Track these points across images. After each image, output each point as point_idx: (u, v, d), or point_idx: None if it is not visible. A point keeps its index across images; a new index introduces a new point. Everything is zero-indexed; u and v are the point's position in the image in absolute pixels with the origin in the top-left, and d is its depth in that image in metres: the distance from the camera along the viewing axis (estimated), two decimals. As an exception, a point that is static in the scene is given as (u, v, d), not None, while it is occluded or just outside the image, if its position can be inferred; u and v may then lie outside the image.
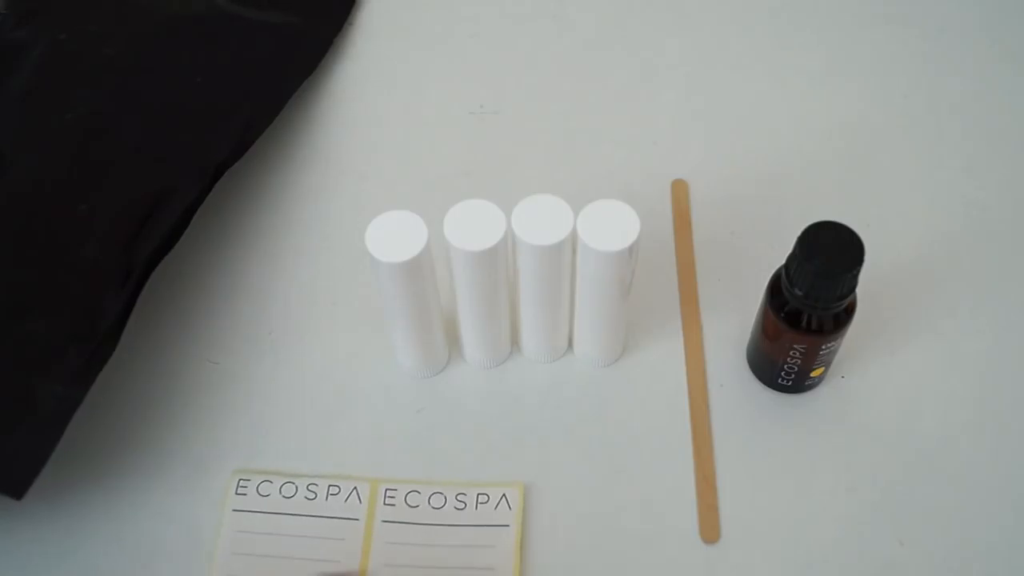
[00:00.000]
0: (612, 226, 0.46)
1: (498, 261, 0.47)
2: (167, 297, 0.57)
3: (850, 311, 0.48)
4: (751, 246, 0.58)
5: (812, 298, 0.47)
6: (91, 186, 0.53)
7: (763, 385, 0.54)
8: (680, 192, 0.61)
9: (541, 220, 0.46)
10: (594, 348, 0.54)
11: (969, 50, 0.67)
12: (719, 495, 0.50)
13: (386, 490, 0.51)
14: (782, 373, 0.52)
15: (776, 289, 0.49)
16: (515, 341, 0.55)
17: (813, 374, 0.51)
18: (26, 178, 0.53)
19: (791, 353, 0.50)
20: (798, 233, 0.46)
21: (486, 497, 0.51)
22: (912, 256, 0.58)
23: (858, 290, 0.47)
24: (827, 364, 0.51)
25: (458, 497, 0.51)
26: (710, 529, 0.50)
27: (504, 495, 0.51)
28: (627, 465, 0.52)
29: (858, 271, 0.45)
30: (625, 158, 0.63)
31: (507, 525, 0.50)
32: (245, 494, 0.51)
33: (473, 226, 0.46)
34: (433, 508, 0.50)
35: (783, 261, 0.48)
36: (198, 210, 0.54)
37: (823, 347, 0.49)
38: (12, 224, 0.51)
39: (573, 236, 0.46)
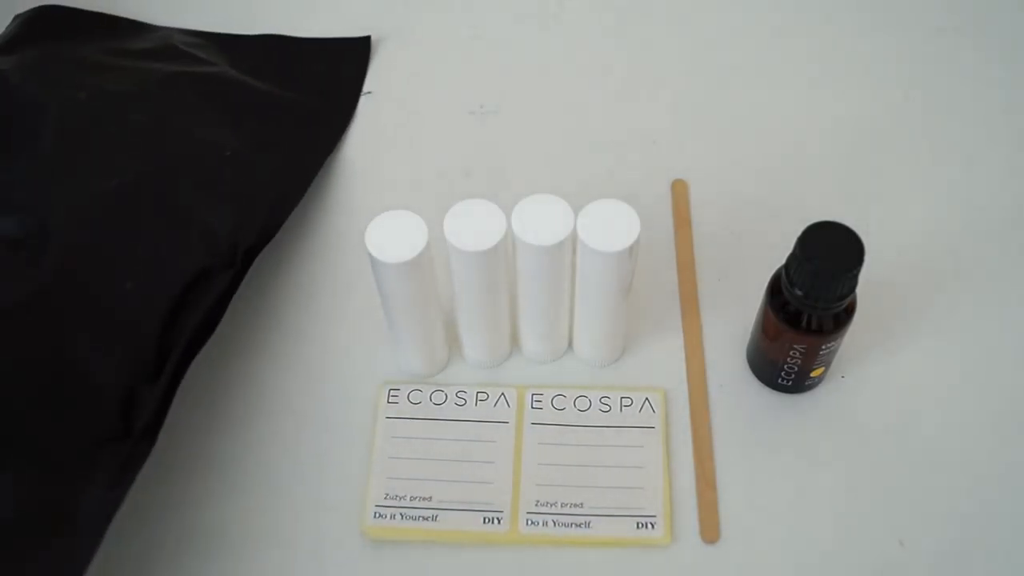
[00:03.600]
0: (612, 226, 0.46)
1: (498, 261, 0.47)
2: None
3: (850, 311, 0.48)
4: (751, 246, 0.58)
5: (812, 298, 0.47)
6: (129, 266, 0.50)
7: (763, 385, 0.54)
8: (680, 192, 0.61)
9: (541, 220, 0.46)
10: (594, 348, 0.54)
11: (969, 50, 0.67)
12: (719, 495, 0.50)
13: (532, 395, 0.53)
14: (782, 373, 0.52)
15: (776, 289, 0.49)
16: (515, 341, 0.55)
17: (813, 374, 0.51)
18: (67, 254, 0.49)
19: (791, 353, 0.50)
20: (798, 233, 0.46)
21: (629, 400, 0.53)
22: (912, 256, 0.58)
23: (858, 290, 0.47)
24: (827, 364, 0.51)
25: (602, 400, 0.53)
26: (710, 529, 0.49)
27: (647, 399, 0.53)
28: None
29: (858, 271, 0.45)
30: (625, 158, 0.63)
31: (653, 427, 0.52)
32: (396, 402, 0.53)
33: (473, 226, 0.46)
34: (579, 411, 0.53)
35: (783, 261, 0.48)
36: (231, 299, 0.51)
37: (823, 347, 0.49)
38: (52, 313, 0.48)
39: (573, 236, 0.46)
